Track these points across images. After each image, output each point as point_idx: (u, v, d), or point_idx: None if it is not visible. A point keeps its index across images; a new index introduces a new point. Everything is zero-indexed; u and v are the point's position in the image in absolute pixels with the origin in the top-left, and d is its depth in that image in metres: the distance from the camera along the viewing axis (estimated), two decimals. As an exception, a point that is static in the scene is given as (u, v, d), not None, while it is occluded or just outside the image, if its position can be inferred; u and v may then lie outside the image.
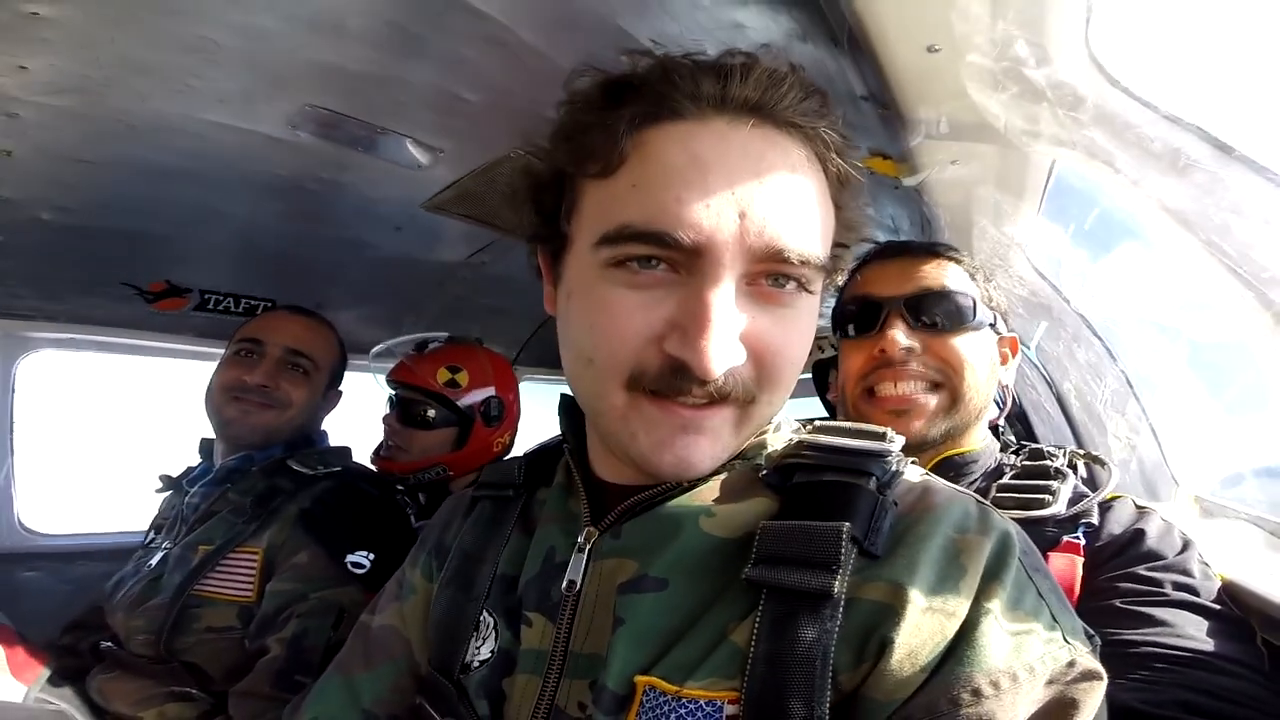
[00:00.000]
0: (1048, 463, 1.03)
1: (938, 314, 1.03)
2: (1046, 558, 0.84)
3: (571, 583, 0.63)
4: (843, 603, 0.51)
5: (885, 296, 1.06)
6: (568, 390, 0.70)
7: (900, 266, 1.09)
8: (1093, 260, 1.22)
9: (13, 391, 1.82)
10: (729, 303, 0.54)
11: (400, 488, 1.75)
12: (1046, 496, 0.95)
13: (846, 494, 0.57)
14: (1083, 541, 0.90)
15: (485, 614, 0.70)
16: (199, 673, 1.24)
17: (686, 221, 0.53)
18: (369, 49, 1.09)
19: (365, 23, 1.02)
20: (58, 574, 1.87)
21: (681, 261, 0.55)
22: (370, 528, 1.40)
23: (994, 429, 1.18)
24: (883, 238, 1.55)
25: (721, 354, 0.53)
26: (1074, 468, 1.04)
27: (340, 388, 1.74)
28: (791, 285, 0.58)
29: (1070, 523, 0.92)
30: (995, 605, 0.50)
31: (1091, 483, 1.03)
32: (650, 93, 0.57)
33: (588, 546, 0.64)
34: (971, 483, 1.04)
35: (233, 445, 1.51)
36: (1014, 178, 1.10)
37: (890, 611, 0.50)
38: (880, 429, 0.64)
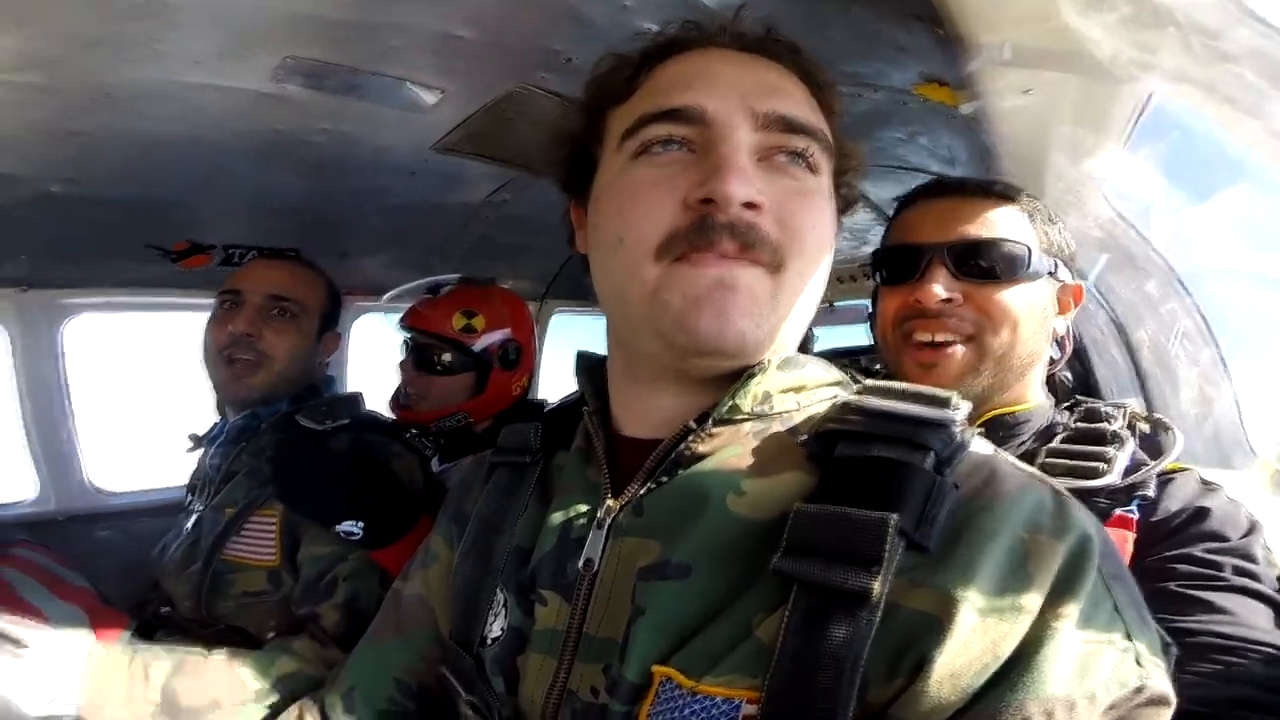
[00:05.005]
0: (1104, 425, 0.91)
1: (985, 263, 0.90)
2: None
3: (589, 561, 0.60)
4: (882, 606, 0.46)
5: (926, 243, 0.93)
6: (586, 349, 0.73)
7: (945, 208, 0.95)
8: (1189, 203, 1.04)
9: (62, 356, 1.87)
10: (745, 153, 0.57)
11: (414, 432, 1.71)
12: (1100, 465, 0.84)
13: (897, 475, 0.50)
14: (1136, 516, 0.82)
15: (499, 589, 0.68)
16: (247, 635, 1.27)
17: (696, 96, 0.58)
18: (343, -6, 0.98)
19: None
20: (128, 532, 1.96)
21: (696, 139, 0.58)
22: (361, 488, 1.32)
23: (1050, 378, 1.06)
24: (937, 169, 1.38)
25: (742, 181, 0.55)
26: (1133, 429, 0.92)
27: (338, 330, 1.68)
28: (801, 164, 0.60)
29: (1124, 494, 0.82)
30: (1063, 623, 0.44)
31: (1153, 448, 0.91)
32: (663, 40, 0.65)
33: (607, 521, 0.60)
34: (1020, 444, 0.95)
35: (235, 405, 1.48)
36: (1098, 109, 0.92)
37: (935, 625, 0.45)
38: (945, 394, 0.55)
